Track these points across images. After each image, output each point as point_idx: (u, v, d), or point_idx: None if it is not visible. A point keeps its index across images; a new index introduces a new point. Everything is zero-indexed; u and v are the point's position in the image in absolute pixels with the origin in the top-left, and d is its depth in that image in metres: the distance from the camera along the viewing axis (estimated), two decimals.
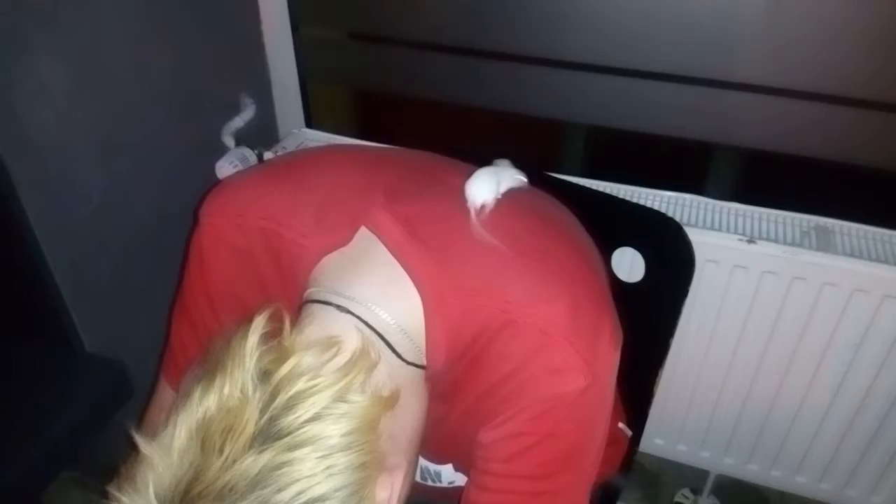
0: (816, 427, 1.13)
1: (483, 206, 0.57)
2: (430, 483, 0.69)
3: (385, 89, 1.35)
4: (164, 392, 0.70)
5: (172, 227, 1.08)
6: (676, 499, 1.39)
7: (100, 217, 1.07)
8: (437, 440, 0.60)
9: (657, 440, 1.26)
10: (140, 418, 0.73)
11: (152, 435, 0.45)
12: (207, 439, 0.43)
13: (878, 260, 0.98)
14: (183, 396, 0.46)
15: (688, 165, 1.26)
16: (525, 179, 0.63)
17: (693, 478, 1.38)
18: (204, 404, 0.45)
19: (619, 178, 1.13)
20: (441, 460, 0.66)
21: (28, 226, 0.97)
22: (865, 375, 1.05)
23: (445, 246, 0.55)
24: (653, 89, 1.10)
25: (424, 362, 0.54)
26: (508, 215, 0.58)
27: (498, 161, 0.66)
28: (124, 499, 0.44)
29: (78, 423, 1.11)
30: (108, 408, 1.14)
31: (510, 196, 0.60)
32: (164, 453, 0.44)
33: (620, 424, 0.87)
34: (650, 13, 1.03)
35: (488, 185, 0.58)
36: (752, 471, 1.23)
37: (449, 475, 0.67)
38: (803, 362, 1.06)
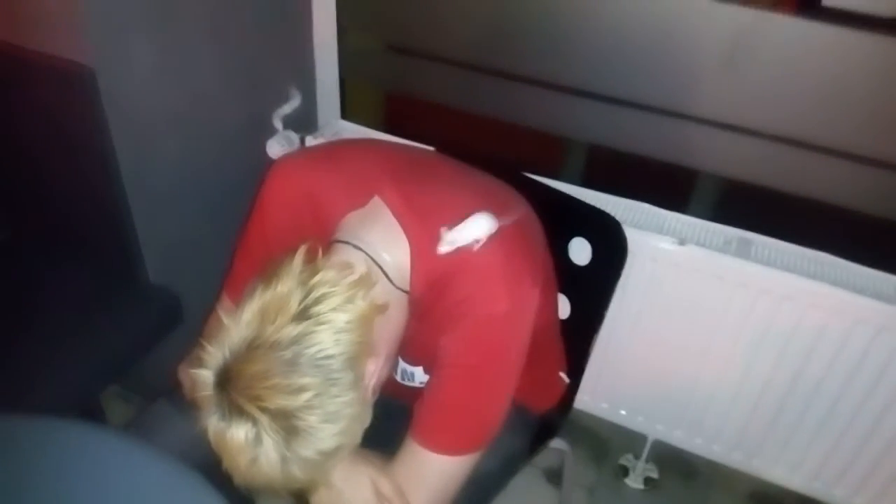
0: (729, 403, 1.35)
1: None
2: (406, 383, 0.95)
3: (413, 95, 1.59)
4: (225, 303, 0.97)
5: (228, 189, 1.34)
6: (621, 461, 1.64)
7: (171, 175, 1.33)
8: (412, 347, 0.88)
9: (603, 404, 1.49)
10: (203, 323, 0.99)
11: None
12: (266, 315, 0.70)
13: (785, 269, 1.21)
14: (249, 291, 0.73)
15: (650, 179, 1.49)
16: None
17: (636, 445, 1.62)
18: (264, 295, 0.71)
19: (606, 187, 1.37)
20: (415, 363, 0.93)
21: (120, 181, 1.22)
22: (767, 362, 1.27)
23: (429, 214, 0.82)
24: (634, 116, 1.33)
25: (408, 289, 0.81)
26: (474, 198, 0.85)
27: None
28: (209, 348, 0.70)
29: (135, 341, 1.37)
30: (161, 331, 1.39)
31: (483, 185, 0.87)
32: (237, 322, 0.70)
33: (561, 373, 1.13)
34: (633, 51, 1.27)
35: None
36: (679, 437, 1.46)
37: (420, 376, 0.93)
38: (718, 347, 1.30)
